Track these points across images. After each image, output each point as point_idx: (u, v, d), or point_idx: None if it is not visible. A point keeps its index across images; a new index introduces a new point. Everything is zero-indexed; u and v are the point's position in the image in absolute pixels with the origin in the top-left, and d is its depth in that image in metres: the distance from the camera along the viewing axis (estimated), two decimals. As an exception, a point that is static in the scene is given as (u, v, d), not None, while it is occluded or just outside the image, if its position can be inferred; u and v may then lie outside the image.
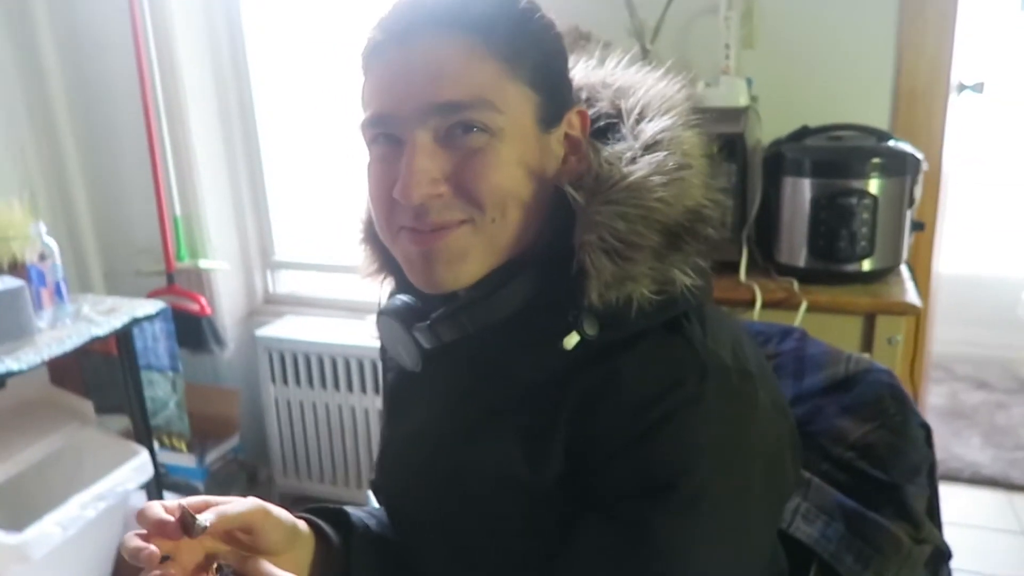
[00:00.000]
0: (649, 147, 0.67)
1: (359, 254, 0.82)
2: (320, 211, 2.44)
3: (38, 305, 1.80)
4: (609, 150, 0.67)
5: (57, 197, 2.36)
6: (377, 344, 0.89)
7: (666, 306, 0.65)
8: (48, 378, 2.15)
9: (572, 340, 0.65)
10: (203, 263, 2.33)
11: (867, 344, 1.46)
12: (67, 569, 1.88)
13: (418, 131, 0.64)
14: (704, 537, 0.64)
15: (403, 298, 0.74)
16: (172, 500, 0.61)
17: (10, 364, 1.63)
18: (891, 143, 1.56)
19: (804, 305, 1.44)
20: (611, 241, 0.63)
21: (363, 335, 2.16)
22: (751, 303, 1.46)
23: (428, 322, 0.69)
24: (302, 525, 0.71)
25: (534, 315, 0.68)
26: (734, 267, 1.54)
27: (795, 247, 1.53)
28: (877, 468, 0.84)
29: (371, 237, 0.80)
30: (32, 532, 1.69)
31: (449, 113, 0.63)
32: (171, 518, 0.59)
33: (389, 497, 0.84)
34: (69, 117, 2.33)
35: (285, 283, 2.55)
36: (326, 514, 0.77)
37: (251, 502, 0.64)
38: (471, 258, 0.66)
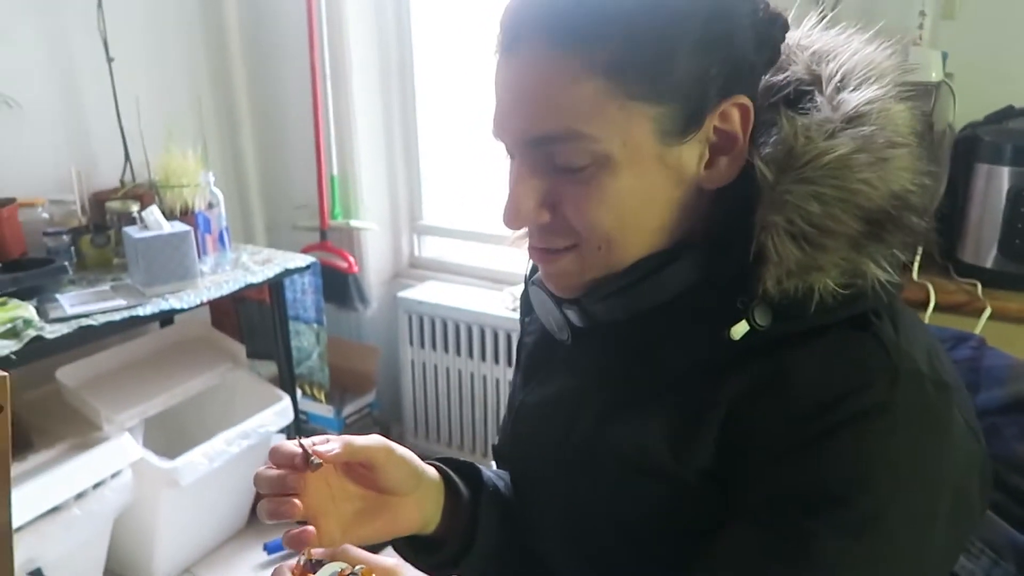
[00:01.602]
0: (852, 120, 0.58)
1: None
2: (469, 180, 2.45)
3: (203, 250, 1.92)
4: (804, 121, 0.59)
5: (229, 151, 2.51)
6: (514, 314, 0.87)
7: (852, 301, 0.57)
8: (210, 320, 2.32)
9: (740, 329, 0.58)
10: (354, 222, 2.41)
11: (1064, 363, 1.26)
12: (211, 498, 2.02)
13: (519, 160, 0.62)
14: (871, 565, 0.56)
15: None
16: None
17: (173, 303, 1.75)
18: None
19: (988, 311, 1.26)
20: (801, 224, 0.56)
21: (501, 305, 2.17)
22: (923, 305, 1.30)
23: (577, 305, 0.66)
24: (431, 472, 0.71)
25: (697, 299, 0.62)
26: (906, 263, 1.38)
27: (983, 245, 1.34)
28: None
29: None
30: (182, 460, 1.83)
31: (540, 146, 0.60)
32: (299, 451, 0.61)
33: (514, 465, 0.81)
34: (244, 75, 2.47)
35: (431, 248, 2.59)
36: (458, 466, 0.76)
37: (375, 439, 0.64)
38: (584, 278, 0.63)
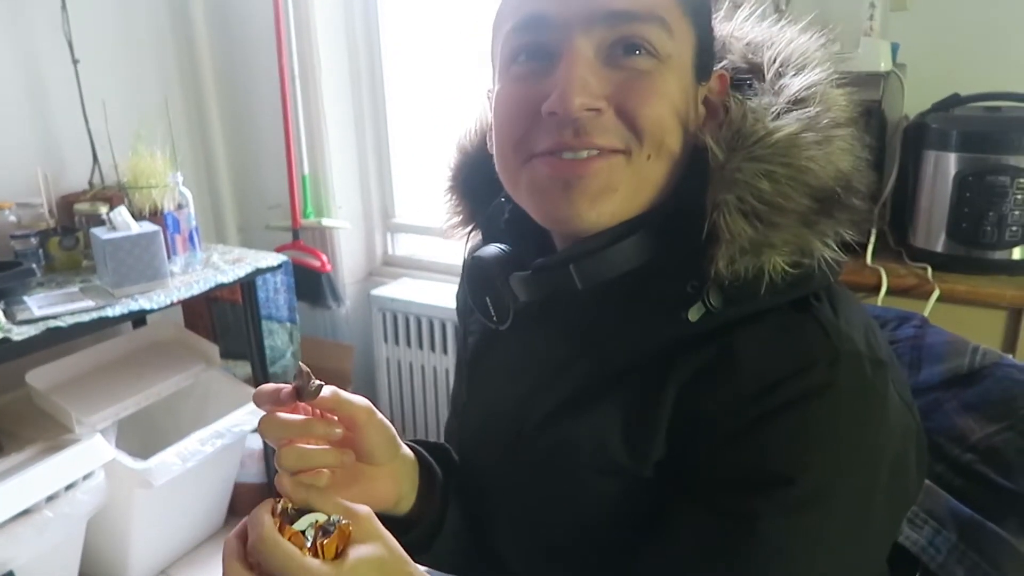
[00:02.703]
0: (796, 103, 0.61)
1: (443, 204, 0.80)
2: (441, 177, 2.46)
3: (172, 251, 1.92)
4: (752, 103, 0.61)
5: (200, 152, 2.51)
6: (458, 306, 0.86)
7: (799, 282, 0.59)
8: (183, 322, 2.31)
9: (696, 311, 0.59)
10: (327, 221, 2.41)
11: (1010, 342, 1.30)
12: (184, 498, 2.02)
13: (579, 39, 0.58)
14: (816, 541, 0.57)
15: (499, 246, 0.69)
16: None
17: (143, 303, 1.75)
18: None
19: (936, 293, 1.29)
20: (752, 202, 0.57)
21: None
22: (875, 289, 1.33)
23: (529, 271, 0.65)
24: (407, 450, 0.70)
25: (647, 281, 0.62)
26: (860, 248, 1.41)
27: (932, 230, 1.38)
28: (1002, 475, 0.74)
29: (459, 186, 0.78)
30: (155, 461, 1.83)
31: (618, 22, 0.58)
32: (286, 387, 0.59)
33: (464, 465, 0.80)
34: (212, 75, 2.47)
35: (404, 246, 2.60)
36: (430, 448, 0.76)
37: (360, 398, 0.63)
38: (617, 196, 0.60)
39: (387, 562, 0.56)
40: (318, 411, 0.62)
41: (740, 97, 0.62)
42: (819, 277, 0.60)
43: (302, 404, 0.60)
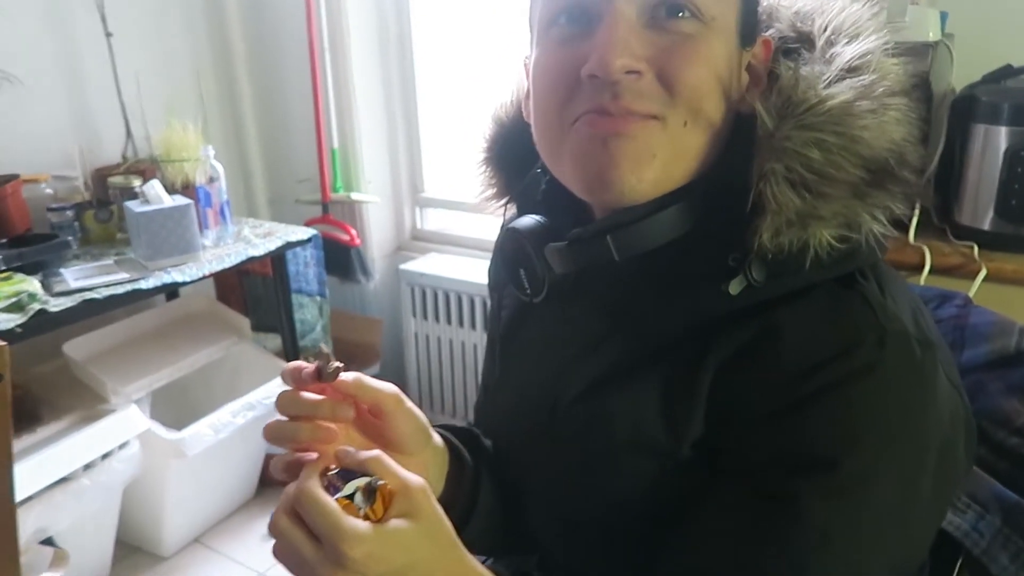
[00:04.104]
0: (851, 71, 0.59)
1: (478, 176, 0.79)
2: (470, 152, 2.44)
3: (204, 224, 1.93)
4: (804, 70, 0.59)
5: (230, 125, 2.51)
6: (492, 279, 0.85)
7: (846, 257, 0.57)
8: (215, 294, 2.34)
9: (738, 284, 0.58)
10: (356, 195, 2.41)
11: (1059, 324, 1.26)
12: (217, 468, 2.05)
13: (620, 1, 0.57)
14: (858, 525, 0.56)
15: (534, 217, 0.68)
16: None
17: (176, 276, 1.77)
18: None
19: (983, 273, 1.25)
20: (801, 172, 0.55)
21: (502, 277, 2.16)
22: (919, 268, 1.30)
23: (566, 241, 0.63)
24: (437, 439, 0.69)
25: (686, 254, 0.61)
26: (903, 226, 1.37)
27: (980, 207, 1.33)
28: None
29: (494, 158, 0.76)
30: (188, 431, 1.86)
31: None
32: (308, 365, 0.59)
33: (497, 444, 0.79)
34: (244, 49, 2.46)
35: (432, 220, 2.59)
36: (457, 432, 0.75)
37: (387, 385, 0.62)
38: (657, 163, 0.58)
39: (433, 536, 0.54)
40: (340, 394, 0.60)
41: (791, 64, 0.60)
42: (866, 253, 0.58)
43: (323, 385, 0.59)
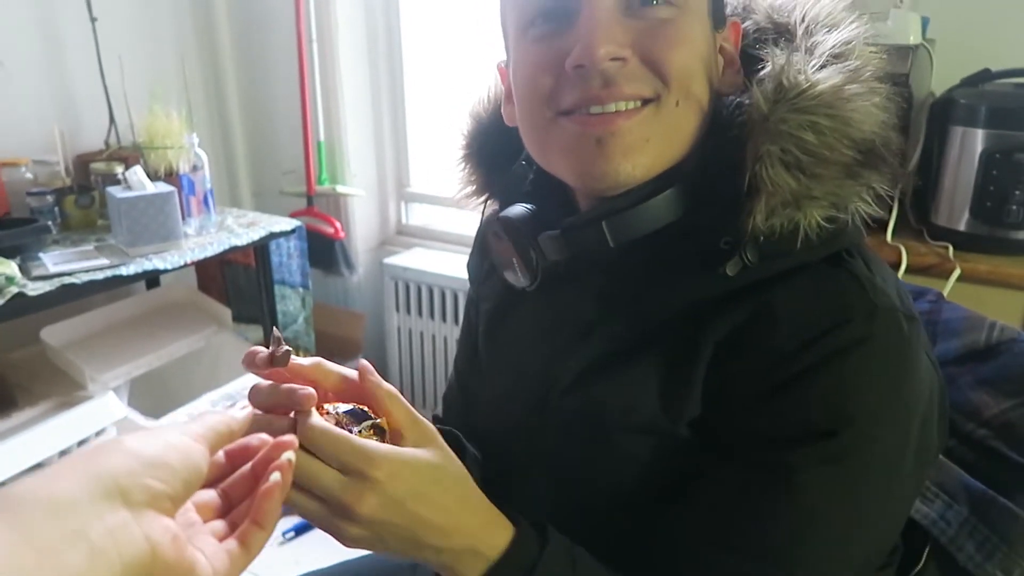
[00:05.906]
0: (837, 56, 0.61)
1: (457, 173, 0.79)
2: (456, 147, 2.44)
3: (187, 212, 1.92)
4: (793, 56, 0.61)
5: (215, 115, 2.50)
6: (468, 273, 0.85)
7: (834, 237, 0.59)
8: (196, 284, 2.32)
9: (734, 266, 0.59)
10: (341, 188, 2.41)
11: (1031, 323, 1.28)
12: (195, 458, 2.03)
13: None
14: (851, 494, 0.58)
15: (524, 205, 0.69)
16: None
17: (157, 263, 1.75)
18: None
19: (957, 273, 1.27)
20: (796, 153, 0.57)
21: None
22: (895, 267, 1.31)
23: (559, 230, 0.64)
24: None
25: (678, 239, 0.62)
26: (881, 225, 1.39)
27: (956, 208, 1.35)
28: (1015, 450, 0.74)
29: (473, 155, 0.77)
30: (166, 420, 1.84)
31: None
32: (263, 352, 0.57)
33: (487, 441, 0.79)
34: (229, 36, 2.45)
35: (417, 215, 2.59)
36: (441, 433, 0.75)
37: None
38: (650, 148, 0.60)
39: (445, 466, 0.56)
40: (301, 378, 0.58)
41: (779, 50, 0.62)
42: (852, 233, 0.61)
43: (278, 370, 0.57)
